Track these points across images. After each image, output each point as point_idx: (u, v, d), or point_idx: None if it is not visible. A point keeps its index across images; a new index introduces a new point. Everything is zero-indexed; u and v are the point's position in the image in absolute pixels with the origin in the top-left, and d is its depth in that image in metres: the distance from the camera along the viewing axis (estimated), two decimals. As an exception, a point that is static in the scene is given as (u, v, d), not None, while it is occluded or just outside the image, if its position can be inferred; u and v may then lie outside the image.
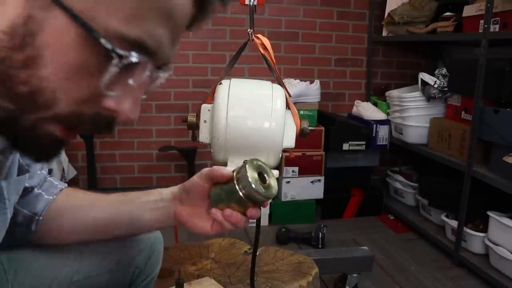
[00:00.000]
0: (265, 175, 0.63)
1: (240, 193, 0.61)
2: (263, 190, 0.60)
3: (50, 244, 0.73)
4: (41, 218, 0.70)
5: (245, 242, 1.44)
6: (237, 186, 0.61)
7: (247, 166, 0.61)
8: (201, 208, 0.69)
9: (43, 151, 0.45)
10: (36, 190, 0.71)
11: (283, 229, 2.07)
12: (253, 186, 0.59)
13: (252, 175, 0.60)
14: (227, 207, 0.64)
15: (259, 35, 0.99)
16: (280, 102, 0.85)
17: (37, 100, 0.39)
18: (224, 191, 0.64)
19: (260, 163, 0.63)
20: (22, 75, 0.38)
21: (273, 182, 0.63)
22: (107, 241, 0.75)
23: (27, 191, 0.69)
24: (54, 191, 0.73)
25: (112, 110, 0.43)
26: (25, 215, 0.69)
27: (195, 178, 0.69)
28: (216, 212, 0.65)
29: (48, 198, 0.72)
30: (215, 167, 0.67)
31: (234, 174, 0.62)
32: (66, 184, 0.77)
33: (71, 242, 0.74)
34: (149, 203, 0.73)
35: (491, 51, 1.72)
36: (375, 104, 2.63)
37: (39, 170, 0.72)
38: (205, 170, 0.68)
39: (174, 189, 0.73)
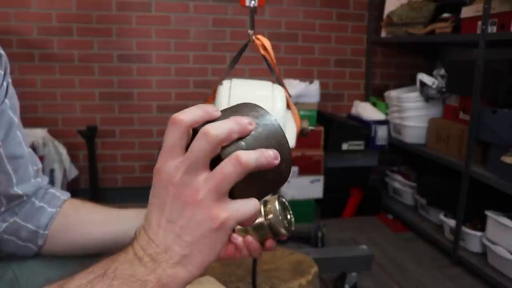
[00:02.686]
0: (287, 212, 0.68)
1: (266, 223, 0.65)
2: (287, 225, 0.65)
3: (62, 256, 0.71)
4: (46, 232, 0.68)
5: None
6: (264, 217, 0.65)
7: (276, 200, 0.65)
8: None
9: None
10: (37, 203, 0.69)
11: (283, 229, 2.08)
12: (280, 218, 0.64)
13: (280, 209, 0.65)
14: (247, 234, 0.67)
15: (259, 36, 1.00)
16: (281, 102, 0.86)
17: None
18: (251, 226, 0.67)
19: (283, 199, 0.68)
20: None
21: (292, 219, 0.68)
22: None
23: (20, 199, 0.67)
24: (57, 203, 0.71)
25: None
26: (28, 229, 0.67)
27: None
28: (237, 237, 0.66)
29: (52, 211, 0.69)
30: None
31: (262, 205, 0.66)
32: (68, 194, 0.74)
33: (83, 255, 0.71)
34: None
35: (489, 52, 1.74)
36: (374, 105, 2.65)
37: (33, 178, 0.69)
38: None
39: None
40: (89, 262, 0.72)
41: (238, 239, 0.66)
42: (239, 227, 0.66)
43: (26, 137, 0.68)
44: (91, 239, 0.71)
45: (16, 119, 0.65)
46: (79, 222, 0.71)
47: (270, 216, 0.64)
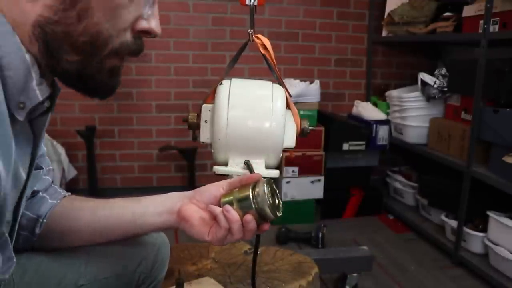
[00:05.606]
0: (275, 197, 0.69)
1: (253, 206, 0.66)
2: (273, 209, 0.66)
3: (54, 247, 0.73)
4: (45, 220, 0.70)
5: (245, 242, 1.44)
6: (252, 199, 0.66)
7: (265, 184, 0.67)
8: (206, 212, 0.69)
9: (111, 85, 0.56)
10: (40, 194, 0.72)
11: (283, 229, 2.08)
12: (267, 202, 0.65)
13: (268, 192, 0.66)
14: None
15: (259, 35, 0.99)
16: (281, 102, 0.85)
17: (98, 43, 0.50)
18: (236, 198, 0.67)
19: (273, 184, 0.69)
20: (79, 28, 0.48)
21: (281, 205, 0.69)
22: (113, 244, 0.75)
23: (33, 194, 0.70)
24: (59, 196, 0.74)
25: (145, 29, 0.54)
26: (29, 217, 0.69)
27: (216, 182, 0.72)
28: (215, 207, 0.67)
29: (53, 202, 0.72)
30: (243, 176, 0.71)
31: (251, 188, 0.67)
32: (69, 193, 0.78)
33: (76, 244, 0.74)
34: (155, 201, 0.73)
35: (491, 51, 1.72)
36: (375, 104, 2.64)
37: (44, 175, 0.72)
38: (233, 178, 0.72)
39: (186, 191, 0.74)
40: (87, 261, 0.73)
41: (215, 209, 0.67)
42: (226, 199, 0.68)
43: (44, 136, 0.71)
44: (81, 224, 0.73)
45: None
46: (71, 209, 0.74)
47: (258, 199, 0.65)
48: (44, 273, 0.70)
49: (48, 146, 2.18)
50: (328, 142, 2.34)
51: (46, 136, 2.21)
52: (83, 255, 0.74)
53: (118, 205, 0.75)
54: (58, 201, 0.73)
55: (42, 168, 0.68)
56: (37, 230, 0.70)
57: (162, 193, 0.76)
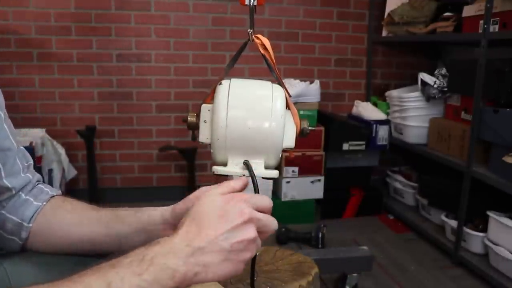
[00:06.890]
0: None
1: None
2: None
3: (49, 252, 0.71)
4: (30, 225, 0.68)
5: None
6: None
7: None
8: None
9: None
10: (23, 196, 0.70)
11: (283, 229, 2.07)
12: None
13: None
14: None
15: (259, 35, 0.98)
16: (280, 102, 0.84)
17: None
18: None
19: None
20: None
21: None
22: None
23: (9, 192, 0.67)
24: (44, 197, 0.71)
25: None
26: (13, 222, 0.68)
27: (190, 196, 0.68)
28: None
29: (38, 204, 0.70)
30: (203, 187, 0.67)
31: None
32: (59, 191, 0.75)
33: (71, 253, 0.72)
34: (138, 224, 0.70)
35: (491, 51, 1.72)
36: (375, 104, 2.63)
37: (22, 172, 0.69)
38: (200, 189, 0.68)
39: (166, 212, 0.70)
40: (82, 265, 0.72)
41: None
42: None
43: (14, 132, 0.69)
44: (68, 240, 0.71)
45: (3, 114, 0.67)
46: (57, 222, 0.71)
47: None
48: (43, 277, 0.67)
49: (48, 146, 2.18)
50: (328, 142, 2.33)
51: (46, 136, 2.22)
52: (83, 263, 0.72)
53: (103, 226, 0.71)
54: (45, 203, 0.70)
55: None
56: (24, 235, 0.68)
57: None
